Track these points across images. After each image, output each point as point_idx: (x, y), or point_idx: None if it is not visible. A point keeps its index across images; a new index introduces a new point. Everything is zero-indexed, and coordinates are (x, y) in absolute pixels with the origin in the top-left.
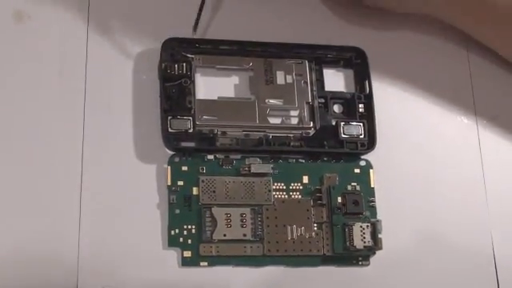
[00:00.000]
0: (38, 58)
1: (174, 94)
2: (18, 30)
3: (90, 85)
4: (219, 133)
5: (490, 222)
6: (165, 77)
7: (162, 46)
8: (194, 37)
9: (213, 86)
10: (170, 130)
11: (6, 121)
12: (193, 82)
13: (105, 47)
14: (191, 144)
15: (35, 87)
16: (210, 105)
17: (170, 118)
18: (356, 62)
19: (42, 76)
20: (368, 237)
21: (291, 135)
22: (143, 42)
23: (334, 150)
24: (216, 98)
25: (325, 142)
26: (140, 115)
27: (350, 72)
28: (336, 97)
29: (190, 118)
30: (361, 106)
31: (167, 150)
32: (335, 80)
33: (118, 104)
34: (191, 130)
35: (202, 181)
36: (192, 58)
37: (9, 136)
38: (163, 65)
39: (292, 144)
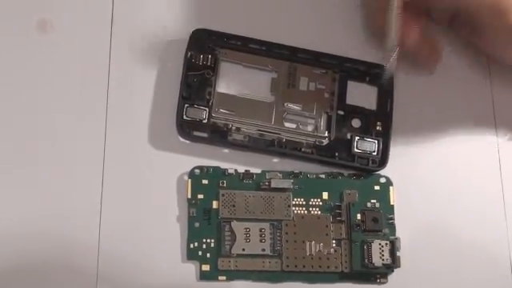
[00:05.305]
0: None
1: (195, 84)
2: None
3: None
4: (234, 128)
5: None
6: (189, 65)
7: (191, 36)
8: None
9: (235, 81)
10: (184, 117)
11: (27, 110)
12: (215, 74)
13: (130, 35)
14: (204, 134)
15: (61, 78)
16: (229, 99)
17: (186, 105)
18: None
19: (68, 73)
20: (387, 254)
21: (304, 141)
22: (172, 32)
23: (344, 163)
24: (236, 93)
25: (336, 154)
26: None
27: (374, 89)
28: (356, 111)
29: (207, 109)
30: (379, 123)
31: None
32: (358, 94)
33: (138, 106)
34: (205, 121)
35: (222, 194)
36: (219, 51)
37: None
38: (189, 53)
39: (303, 150)
